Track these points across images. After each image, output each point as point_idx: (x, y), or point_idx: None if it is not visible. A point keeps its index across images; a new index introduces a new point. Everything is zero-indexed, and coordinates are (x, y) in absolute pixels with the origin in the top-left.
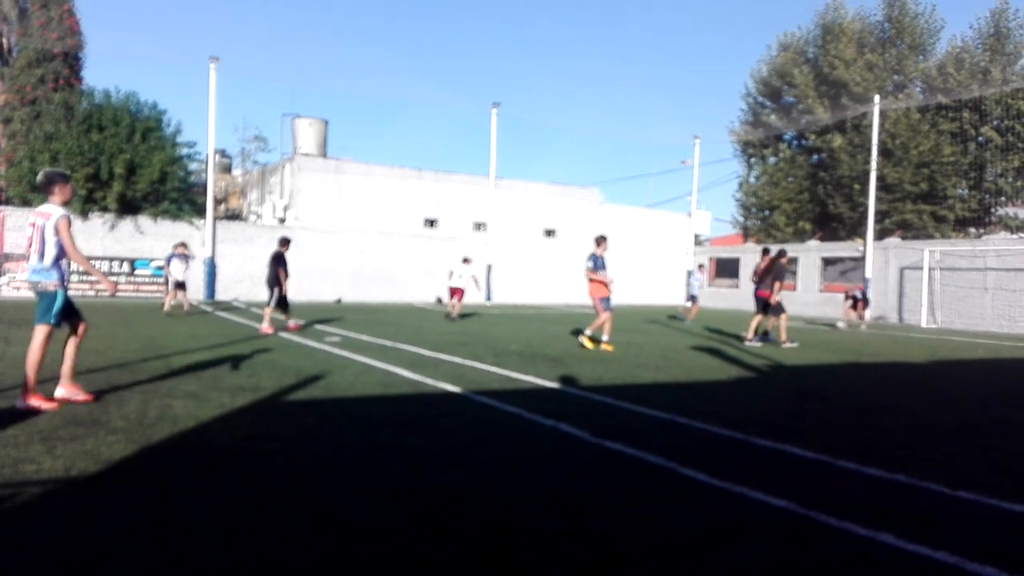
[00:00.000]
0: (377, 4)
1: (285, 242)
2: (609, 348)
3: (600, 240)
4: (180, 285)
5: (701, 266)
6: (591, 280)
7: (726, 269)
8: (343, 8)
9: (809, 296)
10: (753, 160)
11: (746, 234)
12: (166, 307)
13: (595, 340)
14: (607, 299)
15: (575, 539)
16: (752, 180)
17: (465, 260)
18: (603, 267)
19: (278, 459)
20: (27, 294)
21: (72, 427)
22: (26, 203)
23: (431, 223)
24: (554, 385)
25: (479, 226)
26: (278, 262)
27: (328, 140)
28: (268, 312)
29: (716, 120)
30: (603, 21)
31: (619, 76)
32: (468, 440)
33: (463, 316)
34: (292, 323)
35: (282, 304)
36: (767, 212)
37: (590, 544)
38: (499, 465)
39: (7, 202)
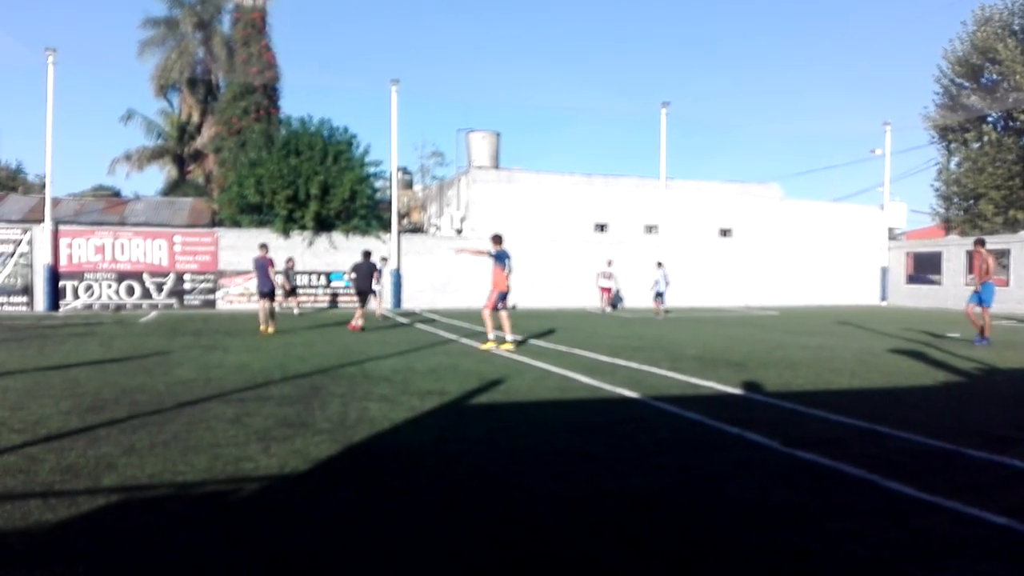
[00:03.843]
0: (542, 16)
1: (367, 254)
2: (509, 347)
3: (497, 239)
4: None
5: (660, 263)
6: (496, 274)
7: (925, 264)
8: (511, 24)
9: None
10: (953, 146)
11: (948, 226)
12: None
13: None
14: (503, 294)
15: (770, 553)
16: (953, 167)
17: (609, 263)
18: (502, 262)
19: (465, 461)
20: (240, 307)
21: (284, 428)
22: (236, 224)
23: (601, 227)
24: (737, 391)
25: (650, 228)
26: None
27: (500, 151)
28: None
29: (907, 106)
30: (773, 8)
31: (797, 65)
32: (649, 447)
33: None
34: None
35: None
36: (971, 201)
37: (786, 559)
38: (682, 473)
39: (220, 224)
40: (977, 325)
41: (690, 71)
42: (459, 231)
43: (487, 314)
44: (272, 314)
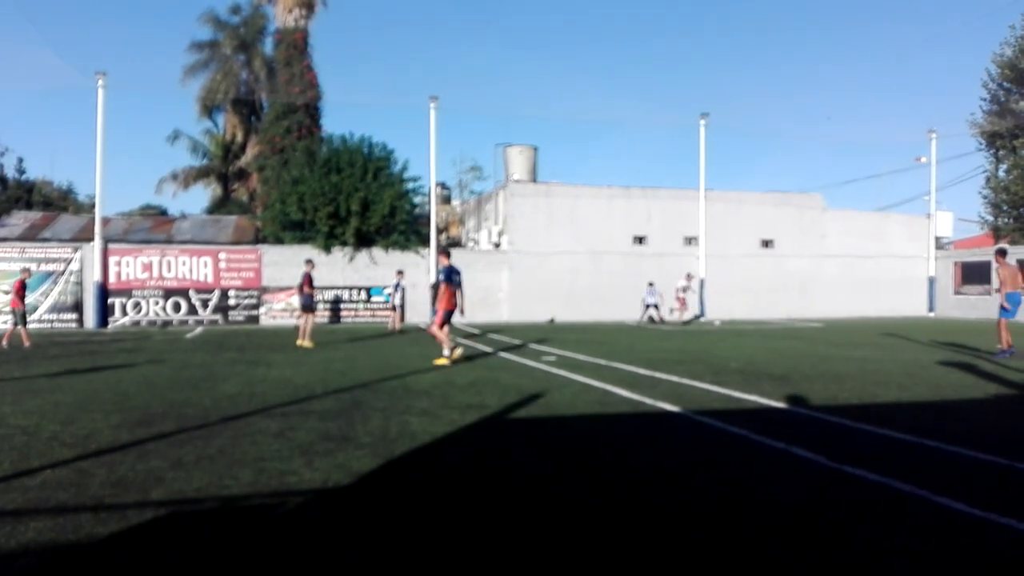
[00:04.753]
0: (577, 28)
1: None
2: (444, 362)
3: (447, 253)
4: (396, 308)
5: (687, 275)
6: (443, 292)
7: (974, 274)
8: (547, 38)
9: None
10: (1002, 152)
11: (997, 234)
12: (396, 327)
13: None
14: (449, 312)
15: (820, 571)
16: (1002, 174)
17: (688, 275)
18: (451, 280)
19: (507, 476)
20: (283, 322)
21: (326, 442)
22: (279, 241)
23: (640, 240)
24: (781, 405)
25: (689, 240)
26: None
27: (538, 166)
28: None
29: (953, 112)
30: (815, 17)
31: (838, 73)
32: (692, 462)
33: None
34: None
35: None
36: (1021, 209)
37: None
38: (727, 488)
39: (263, 241)
40: (1000, 337)
41: (729, 79)
42: (497, 245)
43: (435, 331)
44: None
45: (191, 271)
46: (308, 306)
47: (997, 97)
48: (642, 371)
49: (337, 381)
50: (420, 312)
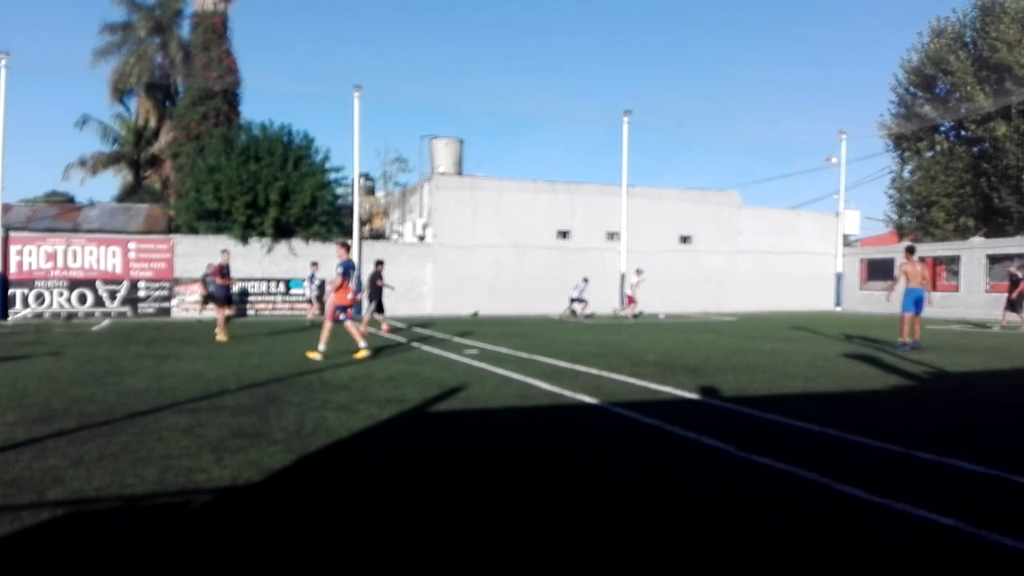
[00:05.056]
0: (507, 23)
1: (380, 263)
2: (316, 356)
3: (347, 246)
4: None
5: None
6: (338, 288)
7: (879, 271)
8: (475, 30)
9: (974, 297)
10: (907, 154)
11: (901, 232)
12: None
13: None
14: (343, 307)
15: (726, 558)
16: (906, 175)
17: (638, 271)
18: (349, 274)
19: (425, 469)
20: (197, 315)
21: (238, 439)
22: (193, 231)
23: (564, 234)
24: (695, 396)
25: (612, 235)
26: (376, 278)
27: (464, 158)
28: (382, 318)
29: (863, 115)
30: (738, 20)
31: (757, 75)
32: (608, 453)
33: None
34: (385, 326)
35: (380, 310)
36: (924, 208)
37: (742, 564)
38: (641, 479)
39: (176, 230)
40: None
41: (652, 78)
42: (422, 238)
43: (342, 326)
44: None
45: (99, 261)
46: (223, 298)
47: (904, 101)
48: (563, 364)
49: (252, 375)
50: None
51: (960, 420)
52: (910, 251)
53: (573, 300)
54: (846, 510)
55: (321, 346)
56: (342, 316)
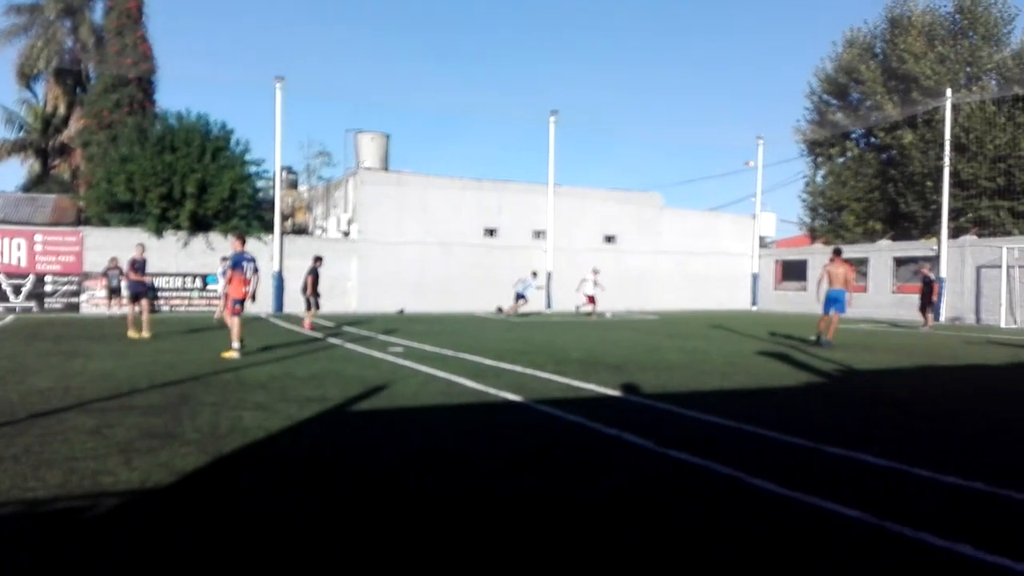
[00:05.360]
0: (435, 20)
1: (318, 259)
2: (232, 355)
3: (242, 238)
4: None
5: (593, 271)
6: (230, 280)
7: (793, 272)
8: (403, 25)
9: (881, 297)
10: (820, 160)
11: (813, 235)
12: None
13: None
14: (239, 300)
15: (644, 551)
16: (819, 180)
17: (595, 271)
18: (241, 267)
19: (345, 469)
20: (106, 311)
21: (148, 439)
22: (104, 223)
23: (491, 232)
24: (616, 393)
25: (539, 234)
26: (315, 275)
27: (390, 154)
28: (308, 315)
29: (781, 120)
30: (663, 24)
31: (680, 79)
32: (530, 450)
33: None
34: (307, 322)
35: (314, 306)
36: (835, 212)
37: (659, 557)
38: (561, 475)
39: (86, 222)
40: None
41: (579, 82)
42: (346, 233)
43: (228, 319)
44: (140, 317)
45: (2, 254)
46: (135, 294)
47: (819, 108)
48: (488, 362)
49: (164, 374)
50: (259, 301)
51: (866, 416)
52: (837, 253)
53: (519, 296)
54: (760, 503)
55: (235, 343)
56: (239, 308)
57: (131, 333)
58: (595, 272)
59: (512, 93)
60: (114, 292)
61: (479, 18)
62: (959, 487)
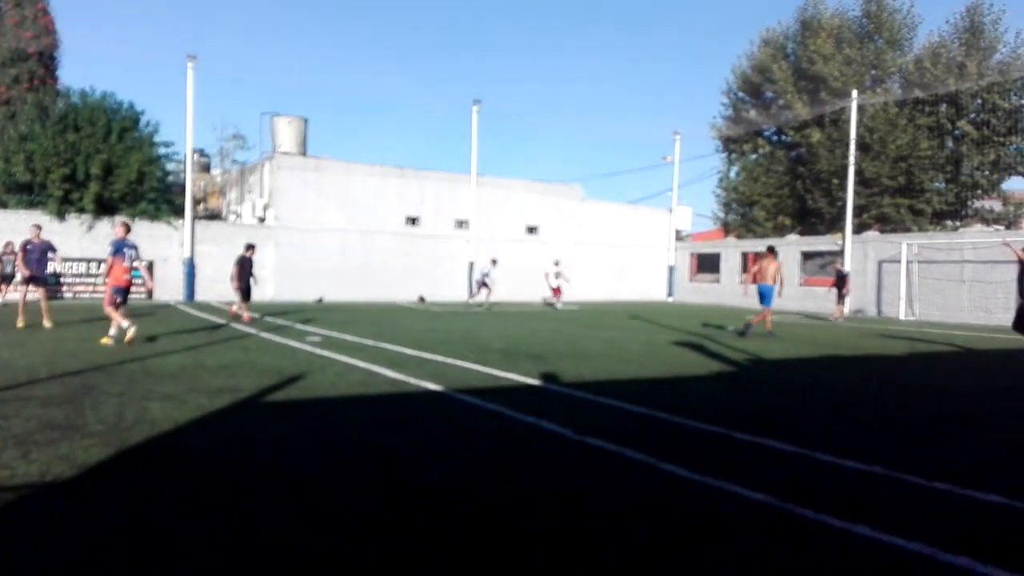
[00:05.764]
0: (358, 5)
1: (250, 247)
2: (107, 342)
3: (126, 225)
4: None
5: (555, 263)
6: (111, 267)
7: (707, 264)
8: (322, 6)
9: (789, 290)
10: (734, 156)
11: (727, 229)
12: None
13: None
14: (120, 289)
15: (558, 537)
16: (732, 176)
17: (556, 263)
18: (122, 253)
19: (257, 462)
20: (12, 298)
21: (48, 431)
22: (2, 205)
23: (413, 221)
24: (536, 382)
25: (461, 224)
26: (241, 264)
27: (308, 139)
28: (244, 306)
29: (698, 117)
30: (584, 18)
31: (601, 73)
32: (449, 439)
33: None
34: (247, 315)
35: (241, 296)
36: (747, 207)
37: (573, 542)
38: (480, 464)
39: None
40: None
41: (501, 73)
42: (262, 219)
43: (109, 311)
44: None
45: None
46: (37, 279)
47: (734, 105)
48: (409, 351)
49: (67, 363)
50: (170, 289)
51: (773, 403)
52: (771, 250)
53: (481, 283)
54: (671, 488)
55: (112, 331)
56: (119, 299)
57: (20, 322)
58: (556, 264)
59: (435, 82)
60: (6, 279)
61: (403, 4)
62: (859, 471)
